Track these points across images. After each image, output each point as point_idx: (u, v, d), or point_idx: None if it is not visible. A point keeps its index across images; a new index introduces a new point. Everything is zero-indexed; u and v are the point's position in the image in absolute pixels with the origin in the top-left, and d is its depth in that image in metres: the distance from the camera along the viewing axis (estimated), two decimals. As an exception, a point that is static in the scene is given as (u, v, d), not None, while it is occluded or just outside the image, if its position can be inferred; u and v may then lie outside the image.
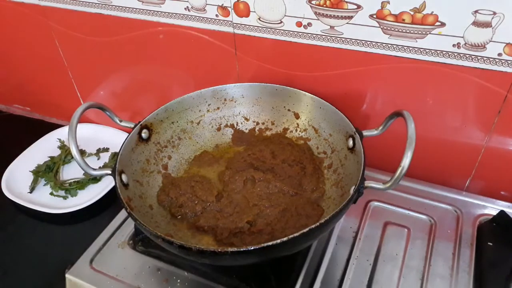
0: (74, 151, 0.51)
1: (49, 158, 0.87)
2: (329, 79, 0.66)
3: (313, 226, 0.43)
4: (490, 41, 0.52)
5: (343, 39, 0.60)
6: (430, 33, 0.54)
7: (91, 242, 0.63)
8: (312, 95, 0.64)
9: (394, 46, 0.57)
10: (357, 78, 0.64)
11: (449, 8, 0.52)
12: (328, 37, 0.61)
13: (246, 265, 0.56)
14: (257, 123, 0.71)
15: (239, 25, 0.66)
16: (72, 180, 0.82)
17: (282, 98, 0.67)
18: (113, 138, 0.89)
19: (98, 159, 0.88)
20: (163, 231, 0.53)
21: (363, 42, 0.59)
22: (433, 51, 0.56)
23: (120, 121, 0.60)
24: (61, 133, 0.93)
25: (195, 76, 0.77)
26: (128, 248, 0.63)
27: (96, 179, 0.82)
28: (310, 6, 0.59)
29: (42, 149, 0.89)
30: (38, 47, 0.89)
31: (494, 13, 0.50)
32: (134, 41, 0.77)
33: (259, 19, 0.63)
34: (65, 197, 0.78)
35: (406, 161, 0.44)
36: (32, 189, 0.80)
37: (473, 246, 0.59)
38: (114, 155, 0.87)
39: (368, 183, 0.49)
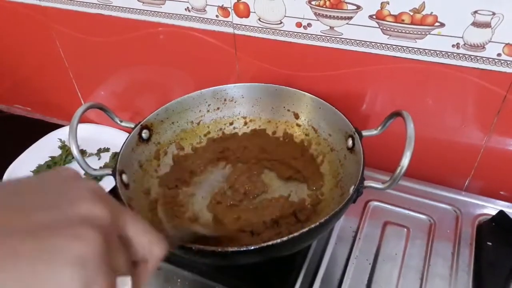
0: (74, 151, 0.52)
1: (50, 158, 0.87)
2: (329, 79, 0.66)
3: (313, 226, 0.44)
4: (490, 41, 0.52)
5: (342, 39, 0.60)
6: (429, 34, 0.55)
7: (92, 242, 0.63)
8: (311, 95, 0.64)
9: (394, 46, 0.58)
10: (357, 78, 0.64)
11: (448, 9, 0.52)
12: (328, 38, 0.61)
13: (246, 265, 0.57)
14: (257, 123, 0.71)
15: (239, 25, 0.66)
16: (72, 180, 0.82)
17: (282, 98, 0.67)
18: (114, 138, 0.89)
19: (98, 159, 0.88)
20: (164, 231, 0.53)
21: (363, 42, 0.59)
22: (432, 51, 0.56)
23: (121, 121, 0.60)
24: (62, 133, 0.93)
25: (195, 76, 0.78)
26: (128, 248, 0.63)
27: (96, 179, 0.82)
28: (310, 7, 0.59)
29: (43, 149, 0.89)
30: (39, 47, 0.89)
31: (494, 14, 0.50)
32: (135, 42, 0.77)
33: (259, 19, 0.64)
34: (65, 197, 0.78)
35: (405, 161, 0.44)
36: (32, 189, 0.80)
37: (472, 246, 0.59)
38: (115, 155, 0.87)
39: (367, 183, 0.49)
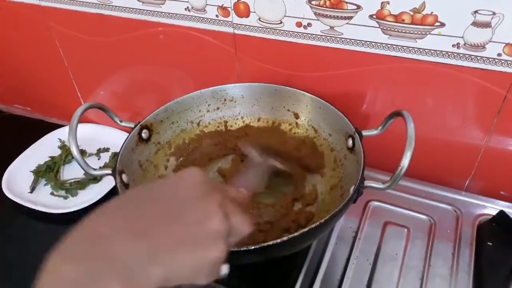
0: (74, 151, 0.52)
1: (50, 158, 0.87)
2: (329, 79, 0.66)
3: (313, 226, 0.44)
4: (490, 41, 0.52)
5: (343, 39, 0.60)
6: (429, 33, 0.55)
7: (92, 242, 0.63)
8: (311, 95, 0.64)
9: (394, 46, 0.58)
10: (357, 78, 0.64)
11: (448, 9, 0.52)
12: (328, 38, 0.61)
13: (246, 265, 0.56)
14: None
15: (239, 25, 0.66)
16: (72, 180, 0.82)
17: (282, 98, 0.67)
18: (114, 138, 0.89)
19: (98, 159, 0.88)
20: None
21: (363, 42, 0.59)
22: (432, 51, 0.56)
23: (121, 121, 0.60)
24: (62, 133, 0.93)
25: (195, 76, 0.77)
26: (128, 248, 0.63)
27: (96, 179, 0.82)
28: (310, 7, 0.59)
29: (43, 149, 0.89)
30: (39, 47, 0.89)
31: (494, 13, 0.50)
32: (134, 41, 0.77)
33: (259, 19, 0.64)
34: (65, 197, 0.78)
35: (405, 161, 0.44)
36: (32, 189, 0.80)
37: (472, 246, 0.59)
38: (115, 155, 0.87)
39: (367, 183, 0.49)
